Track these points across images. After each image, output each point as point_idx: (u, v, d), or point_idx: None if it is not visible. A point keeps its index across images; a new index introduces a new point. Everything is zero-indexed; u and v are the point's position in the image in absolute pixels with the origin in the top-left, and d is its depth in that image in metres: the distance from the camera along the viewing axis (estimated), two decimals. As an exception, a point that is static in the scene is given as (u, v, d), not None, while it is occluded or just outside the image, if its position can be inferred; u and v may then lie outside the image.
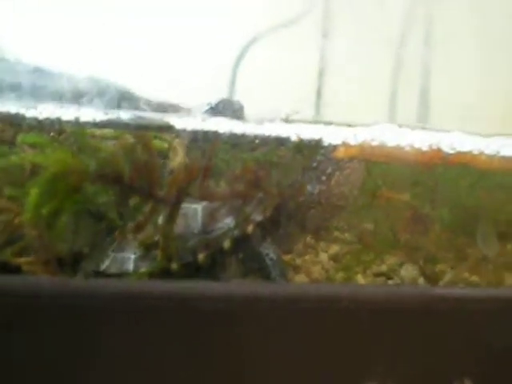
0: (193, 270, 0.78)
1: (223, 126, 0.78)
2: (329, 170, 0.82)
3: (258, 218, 0.79)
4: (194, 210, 0.81)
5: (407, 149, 0.80)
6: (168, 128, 0.77)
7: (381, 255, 0.88)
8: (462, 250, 0.87)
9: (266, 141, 0.78)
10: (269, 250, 0.79)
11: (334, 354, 0.65)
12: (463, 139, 0.81)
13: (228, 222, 0.80)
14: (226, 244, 0.78)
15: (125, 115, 0.77)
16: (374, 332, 0.65)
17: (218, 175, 0.81)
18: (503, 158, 0.80)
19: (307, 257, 0.89)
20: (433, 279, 0.86)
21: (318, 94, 1.00)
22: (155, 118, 0.78)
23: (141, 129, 0.78)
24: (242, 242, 0.79)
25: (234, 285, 0.73)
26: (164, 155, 0.80)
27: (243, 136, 0.78)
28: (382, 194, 0.85)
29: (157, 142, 0.82)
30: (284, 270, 0.79)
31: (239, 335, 0.62)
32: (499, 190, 0.85)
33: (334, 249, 0.90)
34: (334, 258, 0.89)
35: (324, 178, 0.83)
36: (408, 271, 0.87)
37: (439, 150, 0.80)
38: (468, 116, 0.89)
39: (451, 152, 0.80)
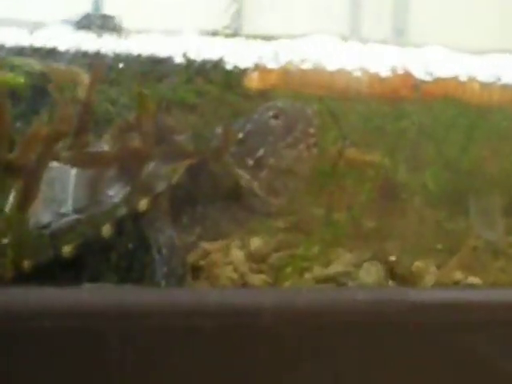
0: (55, 270, 0.57)
1: (61, 40, 0.50)
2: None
3: (160, 187, 0.56)
4: (64, 174, 0.59)
5: (358, 74, 0.50)
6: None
7: (328, 250, 0.58)
8: (456, 235, 0.58)
9: (133, 60, 0.50)
10: (162, 239, 0.56)
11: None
12: (445, 57, 0.51)
13: (113, 193, 0.57)
14: (106, 229, 0.57)
15: None
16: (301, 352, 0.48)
17: (102, 125, 0.59)
18: (505, 86, 0.51)
19: (215, 255, 0.59)
20: (407, 282, 0.56)
21: None
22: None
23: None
24: (129, 225, 0.57)
25: (92, 293, 0.52)
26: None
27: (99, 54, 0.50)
28: (343, 155, 0.57)
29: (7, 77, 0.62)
30: (177, 270, 0.55)
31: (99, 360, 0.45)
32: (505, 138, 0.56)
33: (256, 243, 0.61)
34: (254, 257, 0.60)
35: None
36: (370, 272, 0.57)
37: (409, 75, 0.51)
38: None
39: (427, 78, 0.51)
